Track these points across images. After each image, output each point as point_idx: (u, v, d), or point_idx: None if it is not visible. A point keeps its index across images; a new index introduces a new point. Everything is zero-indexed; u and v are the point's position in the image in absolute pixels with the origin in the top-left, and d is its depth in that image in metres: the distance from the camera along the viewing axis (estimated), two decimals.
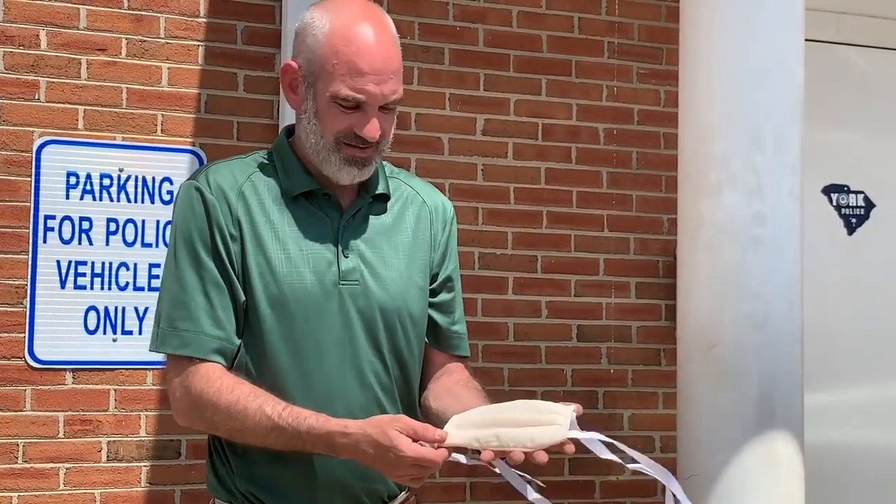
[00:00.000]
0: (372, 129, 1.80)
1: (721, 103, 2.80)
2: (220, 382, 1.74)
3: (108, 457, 3.43)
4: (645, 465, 1.66)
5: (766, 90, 2.77)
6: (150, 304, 3.43)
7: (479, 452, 1.68)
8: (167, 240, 2.23)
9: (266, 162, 1.87)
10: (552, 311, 3.99)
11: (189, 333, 1.76)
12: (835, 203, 4.23)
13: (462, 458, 1.67)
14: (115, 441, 3.44)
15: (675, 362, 3.01)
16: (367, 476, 1.81)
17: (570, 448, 1.67)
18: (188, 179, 1.86)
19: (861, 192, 4.23)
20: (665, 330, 4.04)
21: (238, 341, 1.79)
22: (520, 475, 1.70)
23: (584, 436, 1.65)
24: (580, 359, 3.99)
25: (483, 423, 1.65)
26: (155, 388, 3.48)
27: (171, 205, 2.98)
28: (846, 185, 4.23)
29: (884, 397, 4.22)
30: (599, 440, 1.66)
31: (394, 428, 1.63)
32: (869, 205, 4.24)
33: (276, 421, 1.70)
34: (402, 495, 1.90)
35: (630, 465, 1.67)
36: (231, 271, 1.78)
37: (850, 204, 4.22)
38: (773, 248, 2.75)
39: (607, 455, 1.67)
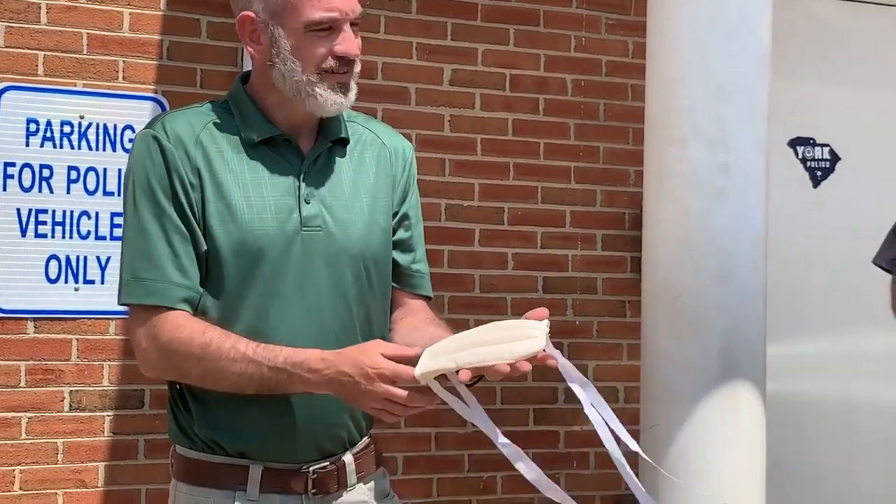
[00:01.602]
0: (352, 45, 1.81)
1: (687, 54, 2.80)
2: (189, 328, 1.74)
3: (70, 406, 3.42)
4: (591, 398, 1.67)
5: (732, 41, 2.78)
6: (113, 253, 3.41)
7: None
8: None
9: (223, 110, 1.86)
10: (518, 263, 4.00)
11: (154, 283, 1.76)
12: (800, 156, 4.26)
13: (439, 390, 1.66)
14: (77, 391, 3.44)
15: (639, 314, 3.04)
16: (331, 421, 1.83)
17: (552, 362, 1.68)
18: (144, 129, 1.84)
19: (827, 146, 4.26)
20: (630, 282, 4.06)
21: (201, 290, 1.79)
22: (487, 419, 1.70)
23: (557, 354, 1.66)
24: (549, 312, 4.01)
25: (457, 347, 1.65)
26: (118, 337, 3.47)
27: None
28: (812, 139, 4.26)
29: (845, 349, 4.28)
30: (567, 367, 1.67)
31: (373, 349, 1.69)
32: (834, 158, 4.27)
33: (250, 356, 1.72)
34: (365, 440, 1.92)
35: (588, 412, 1.69)
36: (192, 220, 1.78)
37: (816, 157, 4.25)
38: (738, 200, 2.77)
39: (576, 386, 1.68)
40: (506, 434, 1.69)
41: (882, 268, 2.61)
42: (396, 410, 1.69)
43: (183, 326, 1.75)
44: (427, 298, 2.03)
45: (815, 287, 4.23)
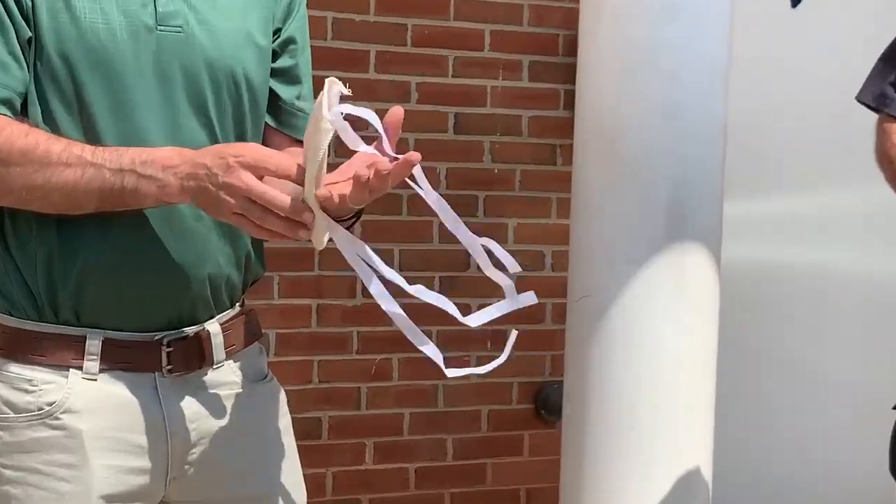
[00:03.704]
0: None
1: None
2: (9, 130, 1.71)
3: None
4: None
5: None
6: None
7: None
8: None
9: None
10: (424, 95, 4.01)
11: None
12: None
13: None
14: None
15: (571, 161, 3.10)
16: (192, 274, 1.83)
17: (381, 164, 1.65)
18: None
19: None
20: (563, 122, 4.10)
21: (23, 91, 1.75)
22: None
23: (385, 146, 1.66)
24: (457, 155, 4.06)
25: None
26: None
27: None
28: None
29: (816, 209, 4.37)
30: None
31: (237, 144, 1.71)
32: None
33: (88, 159, 1.70)
34: (237, 308, 1.96)
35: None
36: (12, 2, 1.74)
37: None
38: (694, 18, 2.78)
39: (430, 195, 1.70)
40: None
41: (868, 105, 2.64)
42: (258, 216, 1.66)
43: (1, 128, 1.72)
44: None
45: (785, 130, 4.30)
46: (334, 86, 1.66)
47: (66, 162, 1.71)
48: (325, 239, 1.73)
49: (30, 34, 1.76)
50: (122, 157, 1.72)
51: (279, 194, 1.65)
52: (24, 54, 1.77)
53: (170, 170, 1.71)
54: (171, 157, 1.71)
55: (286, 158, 1.69)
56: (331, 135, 1.64)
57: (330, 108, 1.64)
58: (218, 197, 1.68)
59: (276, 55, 1.96)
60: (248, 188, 1.65)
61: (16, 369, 1.82)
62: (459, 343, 3.94)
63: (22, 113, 1.78)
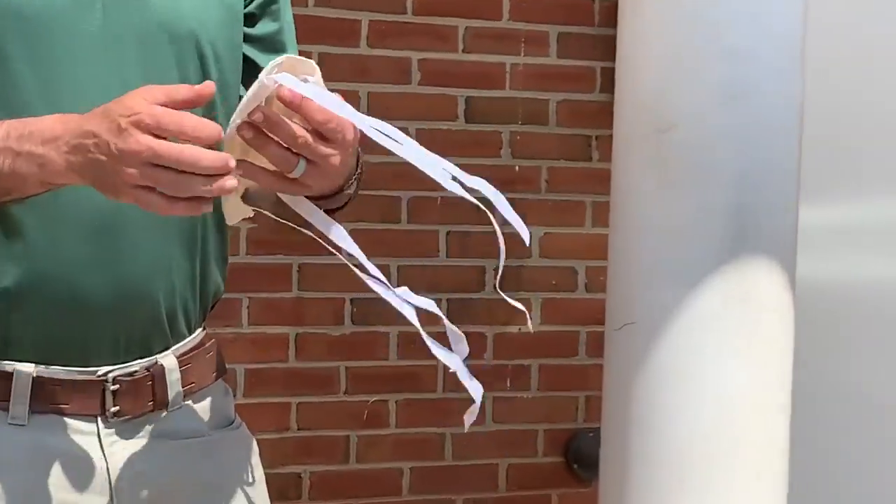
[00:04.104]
0: None
1: None
2: None
3: None
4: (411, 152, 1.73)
5: None
6: None
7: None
8: None
9: None
10: (428, 75, 4.02)
11: None
12: None
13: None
14: None
15: (611, 156, 3.10)
16: (140, 289, 1.83)
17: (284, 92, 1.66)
18: None
19: None
20: (599, 107, 4.12)
21: None
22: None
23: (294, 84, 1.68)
24: (469, 149, 4.06)
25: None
26: None
27: None
28: None
29: None
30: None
31: (135, 94, 1.63)
32: None
33: None
34: (198, 334, 1.95)
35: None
36: None
37: None
38: None
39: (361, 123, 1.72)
40: None
41: None
42: (169, 184, 1.60)
43: None
44: None
45: (873, 118, 4.31)
46: (301, 65, 1.67)
47: None
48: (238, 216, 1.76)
49: None
50: None
51: (195, 149, 1.60)
52: None
53: (51, 144, 1.67)
54: (52, 128, 1.67)
55: (179, 114, 1.63)
56: (265, 95, 1.66)
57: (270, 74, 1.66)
58: (114, 178, 1.62)
59: (253, 18, 1.98)
60: (151, 151, 1.59)
61: None
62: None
63: None
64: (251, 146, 1.70)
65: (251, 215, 1.82)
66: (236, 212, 1.78)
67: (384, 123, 1.71)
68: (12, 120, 1.72)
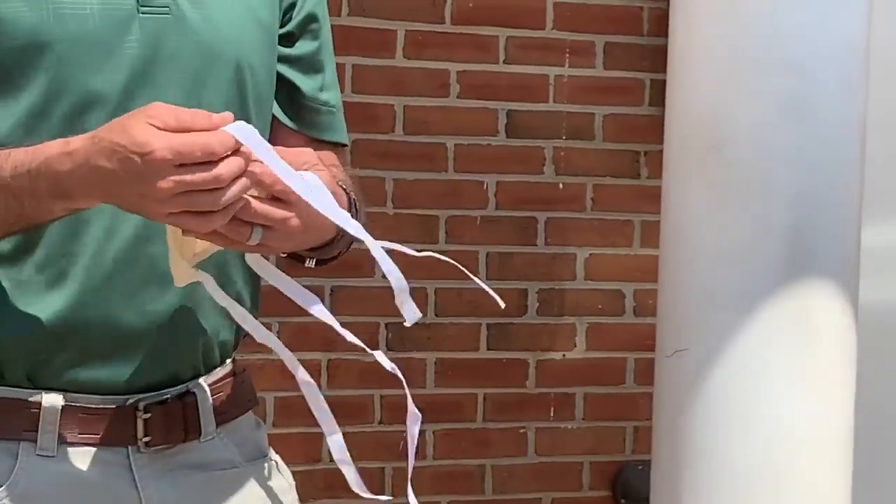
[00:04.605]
0: None
1: None
2: None
3: None
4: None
5: None
6: None
7: None
8: None
9: None
10: (468, 88, 4.02)
11: None
12: None
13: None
14: None
15: (661, 173, 3.10)
16: (172, 316, 1.85)
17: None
18: None
19: None
20: (649, 121, 4.11)
21: None
22: None
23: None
24: (510, 165, 4.03)
25: None
26: None
27: None
28: None
29: None
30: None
31: (138, 118, 1.64)
32: None
33: None
34: (228, 364, 1.98)
35: None
36: None
37: None
38: None
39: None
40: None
41: None
42: (208, 203, 1.63)
43: None
44: (339, 146, 2.05)
45: None
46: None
47: None
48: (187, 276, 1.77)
49: None
50: (3, 165, 1.71)
51: (217, 168, 1.62)
52: None
53: (65, 173, 1.67)
54: (60, 155, 1.67)
55: (214, 135, 1.64)
56: None
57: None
58: (138, 196, 1.64)
59: (292, 37, 1.99)
60: (181, 186, 1.61)
61: None
62: (514, 410, 3.96)
63: None
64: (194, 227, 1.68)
65: (200, 280, 1.82)
66: (185, 274, 1.79)
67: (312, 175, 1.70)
68: (29, 147, 1.72)
